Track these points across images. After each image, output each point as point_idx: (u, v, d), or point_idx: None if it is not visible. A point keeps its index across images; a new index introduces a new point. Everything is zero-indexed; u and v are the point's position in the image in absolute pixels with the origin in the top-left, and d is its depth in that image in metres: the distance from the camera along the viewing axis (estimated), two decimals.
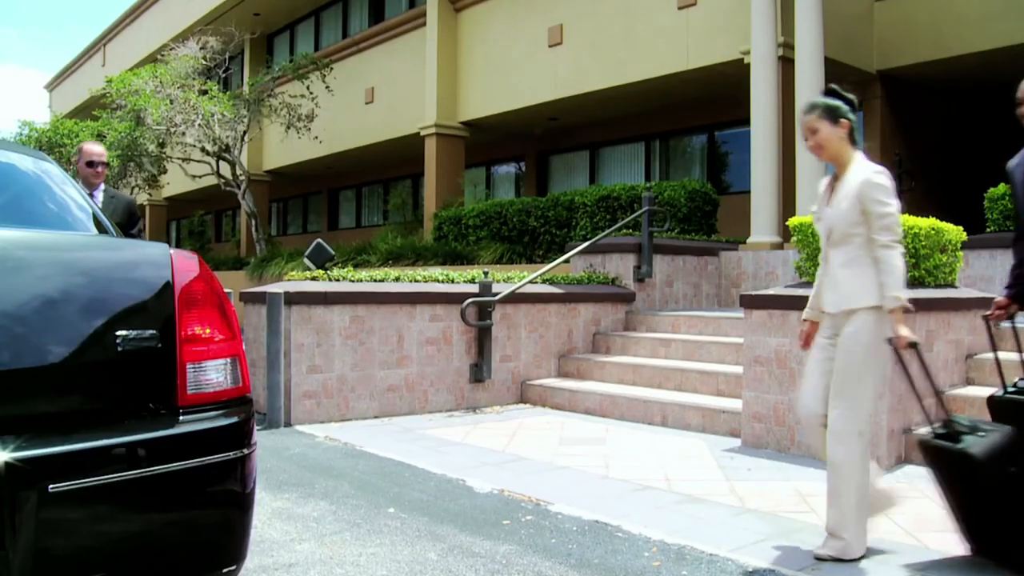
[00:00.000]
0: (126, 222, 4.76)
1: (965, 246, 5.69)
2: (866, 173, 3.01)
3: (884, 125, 10.19)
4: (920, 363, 3.02)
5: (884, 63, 9.76)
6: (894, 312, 2.92)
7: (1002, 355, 5.15)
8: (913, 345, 2.89)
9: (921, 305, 4.74)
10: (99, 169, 4.84)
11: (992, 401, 3.17)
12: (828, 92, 3.16)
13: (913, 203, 9.19)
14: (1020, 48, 8.69)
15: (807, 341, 3.33)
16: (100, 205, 4.63)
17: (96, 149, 4.90)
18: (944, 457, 2.97)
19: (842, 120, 3.07)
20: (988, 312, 3.50)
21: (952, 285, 5.34)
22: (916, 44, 9.46)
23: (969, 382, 5.14)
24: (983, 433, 2.92)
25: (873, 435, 4.45)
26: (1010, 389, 3.11)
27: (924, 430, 3.19)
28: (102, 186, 4.90)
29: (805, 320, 3.36)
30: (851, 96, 3.12)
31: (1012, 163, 3.42)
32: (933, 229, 4.98)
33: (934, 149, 10.78)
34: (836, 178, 3.14)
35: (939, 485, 3.06)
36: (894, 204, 2.99)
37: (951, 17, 9.13)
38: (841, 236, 3.06)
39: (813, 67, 8.38)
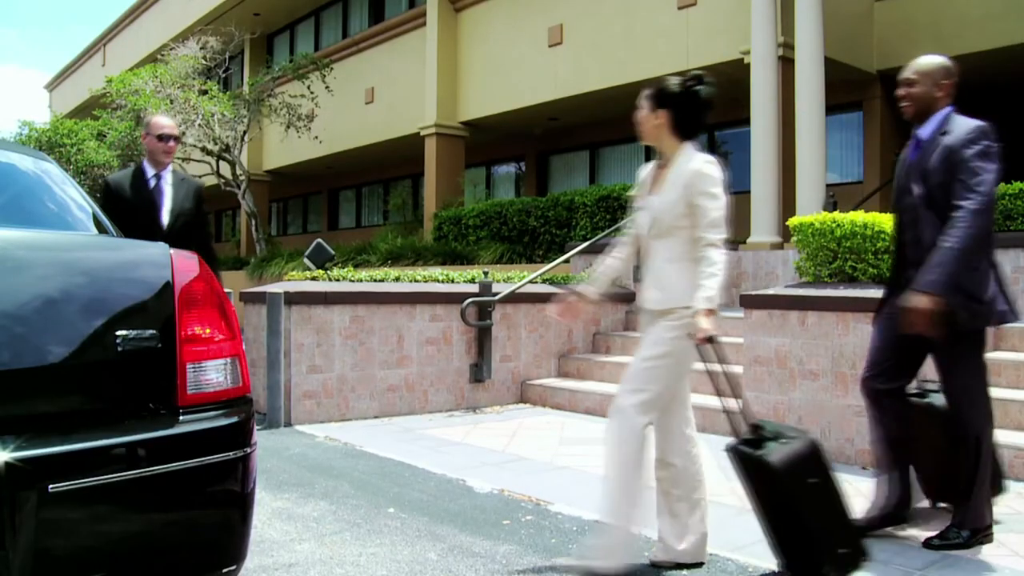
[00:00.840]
0: (195, 208, 4.44)
1: None
2: (696, 163, 2.85)
3: (884, 125, 10.20)
4: (719, 361, 2.81)
5: (884, 63, 9.77)
6: (702, 313, 2.70)
7: (1002, 355, 5.17)
8: (710, 340, 2.69)
9: None
10: (171, 144, 4.35)
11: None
12: (689, 78, 2.96)
13: None
14: (1020, 48, 8.69)
15: (566, 313, 3.18)
16: (171, 187, 4.34)
17: (167, 121, 4.42)
18: (746, 464, 2.77)
19: (659, 111, 2.92)
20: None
21: None
22: (916, 44, 9.44)
23: None
24: (785, 440, 2.72)
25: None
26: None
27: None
28: (170, 166, 4.42)
29: (576, 292, 3.17)
30: (699, 88, 2.92)
31: (902, 155, 3.36)
32: None
33: None
34: (663, 166, 2.99)
35: (747, 493, 2.87)
36: (723, 198, 2.83)
37: (951, 17, 9.13)
38: (666, 228, 2.90)
39: (813, 67, 8.38)
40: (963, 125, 3.10)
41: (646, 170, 3.13)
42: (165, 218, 4.28)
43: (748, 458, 2.72)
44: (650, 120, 2.96)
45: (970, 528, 3.15)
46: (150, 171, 4.36)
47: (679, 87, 2.93)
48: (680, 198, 2.84)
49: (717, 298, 2.73)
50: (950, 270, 2.92)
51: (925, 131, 3.21)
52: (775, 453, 2.66)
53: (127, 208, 4.17)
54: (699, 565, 2.97)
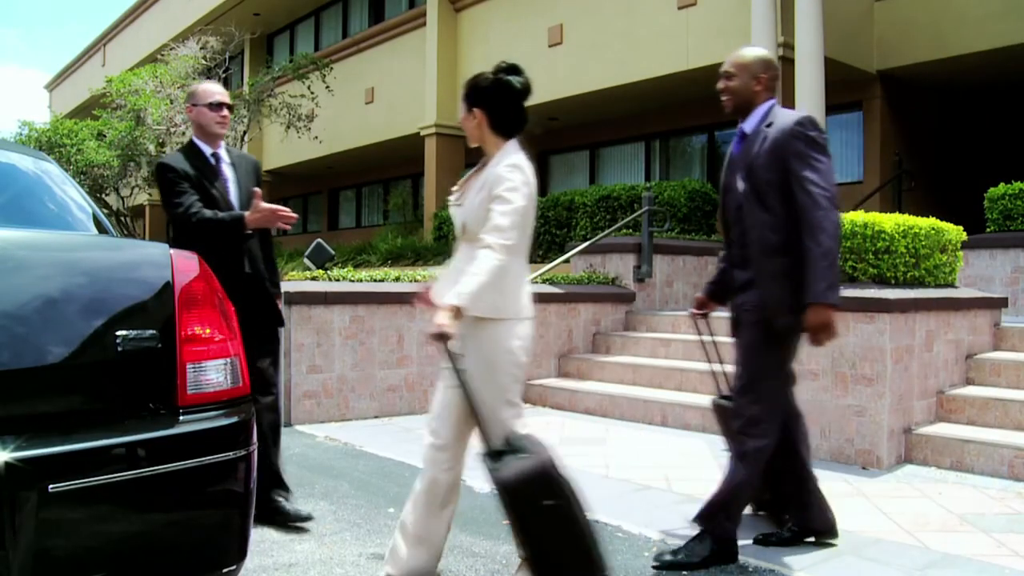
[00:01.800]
0: (254, 186, 3.66)
1: (965, 246, 5.69)
2: (500, 166, 2.63)
3: (884, 125, 10.20)
4: (453, 365, 2.54)
5: (884, 63, 9.76)
6: (446, 308, 2.40)
7: (1002, 355, 5.17)
8: (442, 337, 2.38)
9: (921, 305, 4.75)
10: (224, 113, 3.65)
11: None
12: (499, 68, 2.73)
13: (913, 203, 9.21)
14: (1020, 48, 8.69)
15: (422, 300, 2.84)
16: (230, 167, 3.62)
17: (218, 87, 3.70)
18: (491, 478, 2.52)
19: (474, 109, 2.70)
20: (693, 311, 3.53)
21: (952, 285, 5.34)
22: (916, 44, 9.46)
23: (969, 382, 5.14)
24: (524, 456, 2.49)
25: (872, 434, 4.47)
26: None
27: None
28: (222, 143, 3.68)
29: (428, 281, 2.89)
30: (506, 79, 2.69)
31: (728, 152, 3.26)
32: (933, 229, 4.98)
33: (934, 149, 10.79)
34: (480, 169, 2.77)
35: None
36: (517, 203, 2.57)
37: (951, 17, 9.13)
38: (472, 234, 2.63)
39: (813, 67, 8.38)
40: (788, 116, 2.99)
41: (469, 172, 2.87)
42: (235, 202, 3.55)
43: (489, 472, 2.49)
44: (469, 122, 2.73)
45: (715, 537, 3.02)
46: (206, 149, 3.59)
47: (489, 81, 2.69)
48: (483, 203, 2.61)
49: (470, 300, 2.43)
50: (832, 272, 2.82)
51: (749, 124, 3.08)
52: (507, 468, 2.44)
53: (178, 197, 3.42)
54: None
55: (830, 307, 2.83)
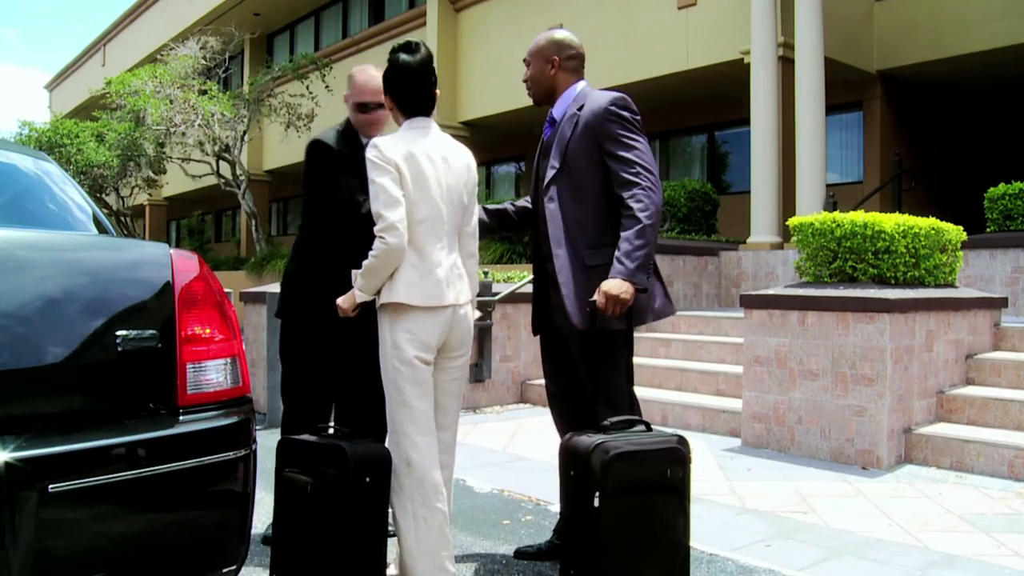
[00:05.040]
0: None
1: (965, 246, 5.69)
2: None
3: (884, 125, 10.20)
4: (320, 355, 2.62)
5: (884, 63, 9.77)
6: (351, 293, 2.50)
7: (1002, 355, 5.18)
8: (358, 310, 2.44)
9: (921, 305, 4.75)
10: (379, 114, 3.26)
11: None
12: (392, 50, 2.65)
13: (913, 203, 9.21)
14: (1020, 48, 8.70)
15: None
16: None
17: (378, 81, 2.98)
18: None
19: (385, 98, 2.67)
20: None
21: (952, 285, 5.34)
22: (916, 44, 9.46)
23: (969, 382, 5.14)
24: (360, 442, 2.50)
25: (872, 434, 4.47)
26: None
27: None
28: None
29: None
30: (398, 56, 2.60)
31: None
32: (933, 229, 4.98)
33: (934, 149, 10.79)
34: None
35: None
36: (376, 187, 2.48)
37: (951, 17, 9.14)
38: None
39: (813, 67, 8.39)
40: (600, 97, 2.82)
41: None
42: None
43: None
44: (387, 112, 2.68)
45: None
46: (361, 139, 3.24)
47: (388, 65, 2.62)
48: None
49: (357, 285, 2.50)
50: (645, 253, 2.63)
51: (558, 109, 2.94)
52: (355, 445, 2.45)
53: (337, 183, 3.09)
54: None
55: (633, 285, 2.61)
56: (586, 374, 2.86)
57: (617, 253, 2.65)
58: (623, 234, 2.66)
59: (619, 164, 2.73)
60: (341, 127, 3.26)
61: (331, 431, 2.67)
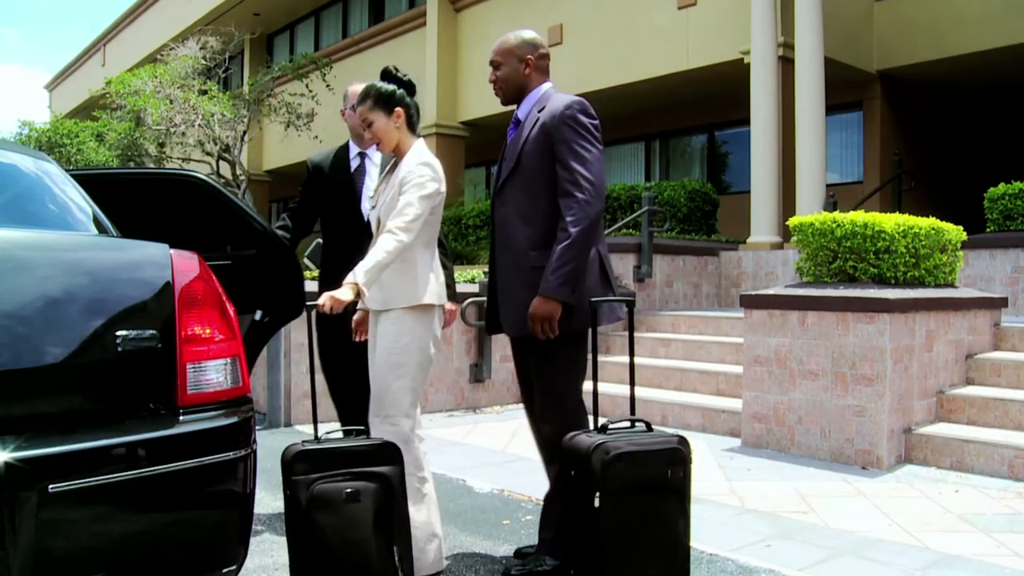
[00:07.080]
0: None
1: (965, 246, 5.69)
2: (410, 163, 2.73)
3: (884, 125, 10.20)
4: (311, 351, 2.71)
5: (884, 63, 9.77)
6: (347, 285, 2.52)
7: (1002, 355, 5.18)
8: (331, 311, 2.50)
9: (921, 305, 4.75)
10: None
11: None
12: (383, 75, 2.85)
13: (913, 203, 9.21)
14: (1020, 48, 8.70)
15: (358, 330, 3.02)
16: (377, 168, 3.56)
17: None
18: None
19: (396, 109, 2.79)
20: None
21: (952, 285, 5.34)
22: (916, 44, 9.46)
23: (969, 382, 5.14)
24: (328, 444, 2.59)
25: (872, 434, 4.47)
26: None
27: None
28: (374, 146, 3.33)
29: (361, 309, 2.98)
30: (407, 78, 2.86)
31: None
32: (933, 229, 4.98)
33: (934, 149, 10.79)
34: (396, 166, 2.85)
35: None
36: (427, 190, 2.67)
37: (951, 17, 9.14)
38: (385, 227, 2.70)
39: (813, 67, 8.38)
40: (560, 100, 2.80)
41: (382, 176, 2.99)
42: (367, 205, 3.47)
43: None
44: (391, 125, 2.80)
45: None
46: (353, 150, 3.64)
47: (403, 81, 2.88)
48: (394, 198, 2.72)
49: (363, 280, 2.54)
50: (572, 267, 2.66)
51: (522, 110, 2.94)
52: (295, 448, 2.57)
53: (325, 194, 3.60)
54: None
55: (556, 301, 2.68)
56: (534, 371, 2.99)
57: (546, 266, 2.71)
58: (554, 247, 2.70)
59: (564, 171, 2.74)
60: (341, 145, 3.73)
61: (332, 433, 2.70)
